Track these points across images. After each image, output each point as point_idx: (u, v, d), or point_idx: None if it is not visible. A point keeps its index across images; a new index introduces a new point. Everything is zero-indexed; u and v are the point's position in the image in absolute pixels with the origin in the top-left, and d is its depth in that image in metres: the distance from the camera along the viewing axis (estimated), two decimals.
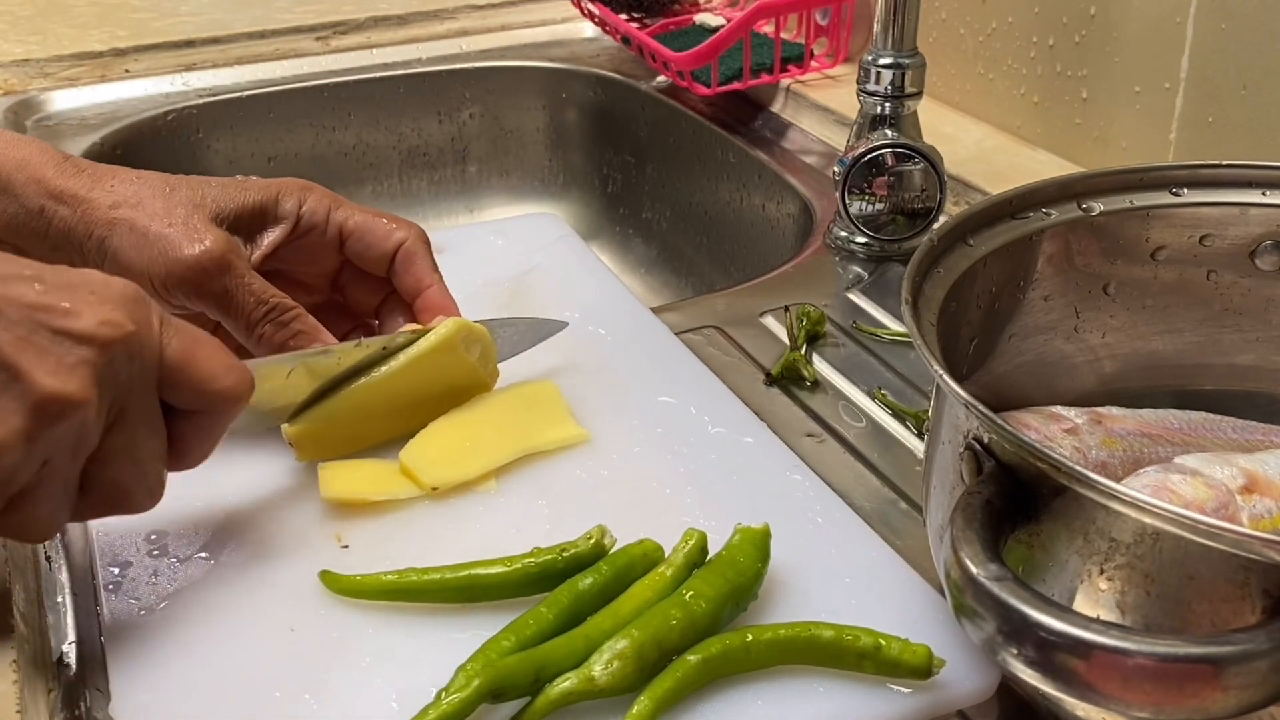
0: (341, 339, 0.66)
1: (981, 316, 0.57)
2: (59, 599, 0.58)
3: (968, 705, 0.52)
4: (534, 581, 0.55)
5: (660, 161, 1.22)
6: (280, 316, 0.62)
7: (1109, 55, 0.92)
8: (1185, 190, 0.60)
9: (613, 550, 0.55)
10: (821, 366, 0.76)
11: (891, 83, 0.85)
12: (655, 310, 0.81)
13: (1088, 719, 0.48)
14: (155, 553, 0.58)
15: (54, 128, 1.14)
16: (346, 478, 0.62)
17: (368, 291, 0.70)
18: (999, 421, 0.44)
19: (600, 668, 0.49)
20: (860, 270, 0.87)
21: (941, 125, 1.04)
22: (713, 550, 0.55)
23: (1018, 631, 0.40)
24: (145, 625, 0.54)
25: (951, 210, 0.90)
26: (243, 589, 0.56)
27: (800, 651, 0.51)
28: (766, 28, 1.13)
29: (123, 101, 1.18)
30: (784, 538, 0.55)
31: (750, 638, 0.51)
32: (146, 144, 1.15)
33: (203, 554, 0.58)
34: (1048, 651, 0.39)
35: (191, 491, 0.61)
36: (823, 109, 1.10)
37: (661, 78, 1.22)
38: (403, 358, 0.64)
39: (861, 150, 0.86)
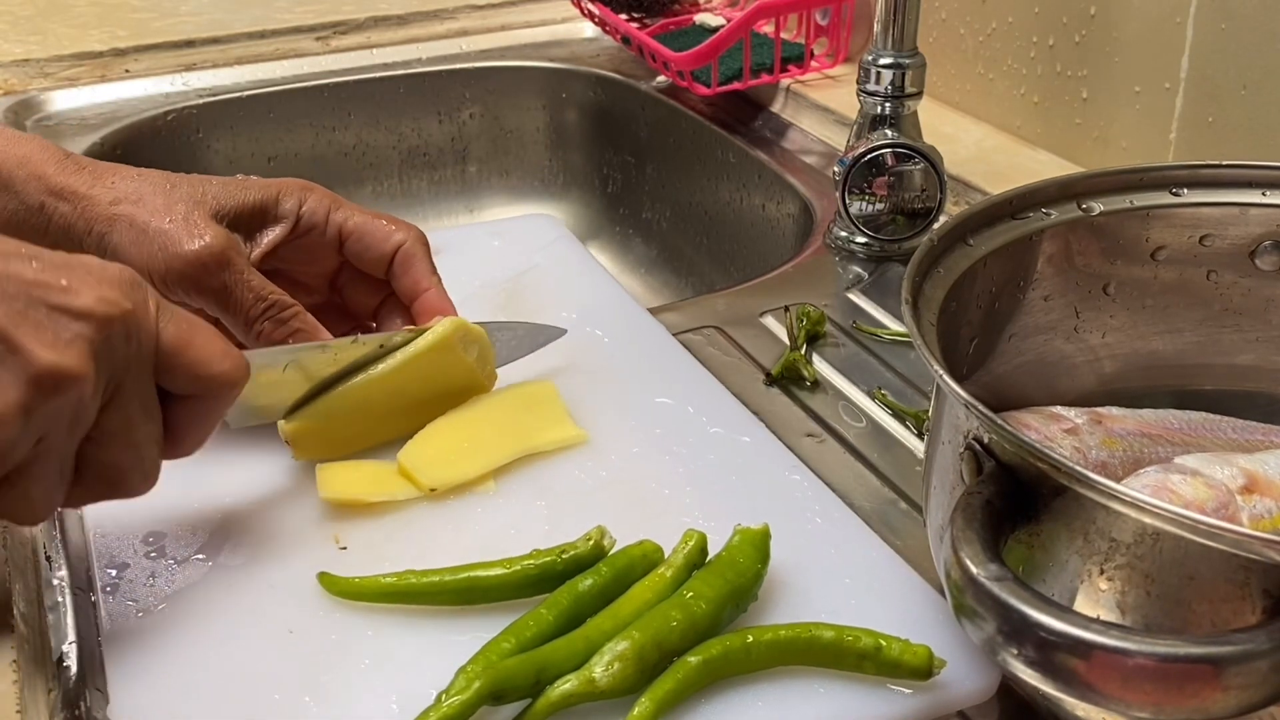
0: None
1: (981, 316, 0.57)
2: (59, 599, 0.58)
3: (968, 706, 0.52)
4: (534, 583, 0.54)
5: (660, 161, 1.22)
6: (279, 314, 0.62)
7: (1109, 55, 0.92)
8: (1185, 190, 0.59)
9: (612, 551, 0.55)
10: (821, 366, 0.76)
11: (891, 83, 0.85)
12: (655, 310, 0.81)
13: (1088, 719, 0.48)
14: (153, 554, 0.58)
15: (54, 128, 1.14)
16: (345, 478, 0.62)
17: (367, 293, 0.70)
18: (999, 421, 0.44)
19: (601, 669, 0.49)
20: (860, 270, 0.87)
21: (941, 125, 1.04)
22: (712, 551, 0.55)
23: (1018, 631, 0.40)
24: (143, 627, 0.54)
25: (951, 210, 0.90)
26: (241, 591, 0.56)
27: (801, 652, 0.51)
28: (766, 28, 1.13)
29: (123, 101, 1.18)
30: (784, 538, 0.55)
31: (751, 639, 0.50)
32: (146, 144, 1.15)
33: (200, 555, 0.58)
34: (1048, 651, 0.39)
35: (189, 493, 0.61)
36: (823, 109, 1.10)
37: (661, 78, 1.22)
38: (400, 356, 0.64)
39: (861, 150, 0.86)
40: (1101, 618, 0.41)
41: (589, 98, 1.29)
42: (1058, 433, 0.56)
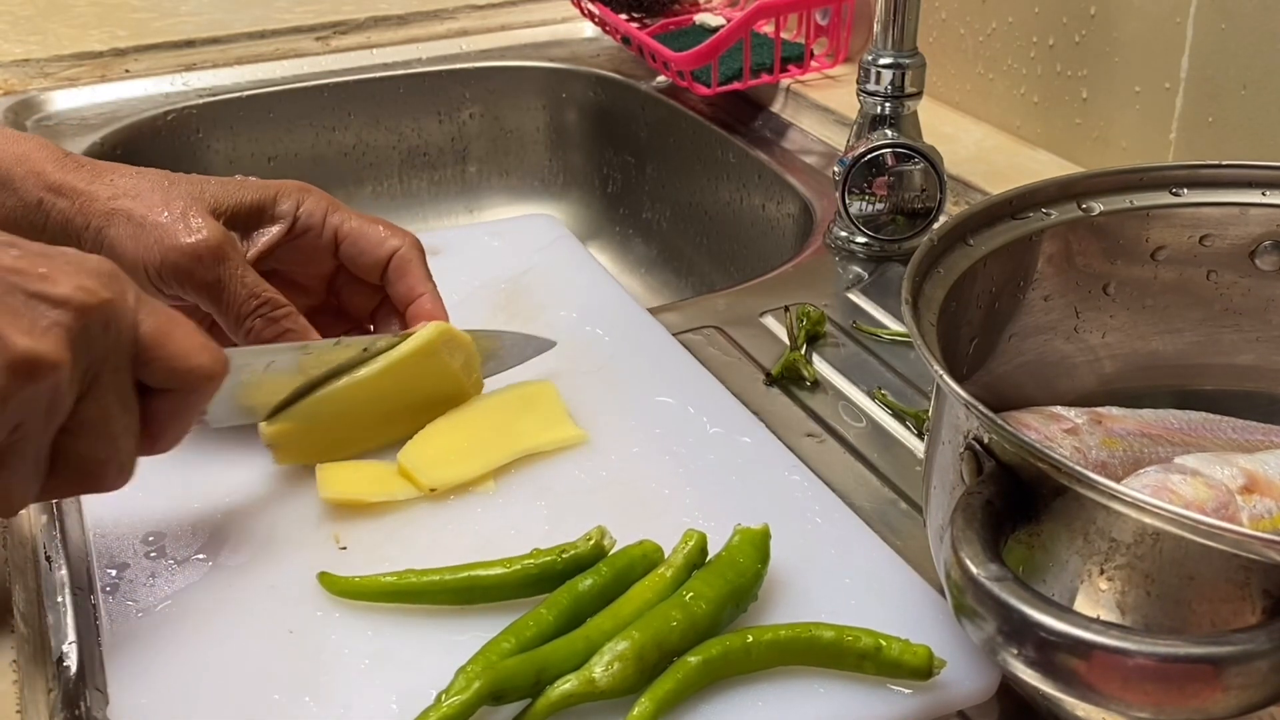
0: None
1: (981, 316, 0.57)
2: (59, 599, 0.58)
3: (968, 706, 0.52)
4: (534, 583, 0.54)
5: (660, 161, 1.22)
6: (271, 312, 0.62)
7: (1109, 55, 0.92)
8: (1185, 190, 0.59)
9: (612, 551, 0.55)
10: (821, 366, 0.76)
11: (891, 83, 0.85)
12: (655, 310, 0.81)
13: (1088, 719, 0.48)
14: (153, 554, 0.58)
15: (54, 128, 1.14)
16: (344, 478, 0.62)
17: (363, 295, 0.69)
18: (999, 421, 0.44)
19: (601, 669, 0.49)
20: (860, 270, 0.87)
21: (941, 125, 1.04)
22: (712, 551, 0.55)
23: (1018, 632, 0.40)
24: (143, 627, 0.54)
25: (951, 210, 0.90)
26: (241, 590, 0.56)
27: (801, 652, 0.51)
28: (766, 28, 1.13)
29: (123, 101, 1.18)
30: (784, 538, 0.55)
31: (751, 639, 0.50)
32: (146, 144, 1.15)
33: (200, 555, 0.58)
34: (1048, 651, 0.39)
35: (189, 493, 0.62)
36: (823, 109, 1.10)
37: (661, 78, 1.22)
38: (382, 360, 0.63)
39: (861, 150, 0.86)
40: (1101, 618, 0.41)
41: (589, 98, 1.29)
42: (1058, 433, 0.56)
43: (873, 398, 0.73)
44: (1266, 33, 0.80)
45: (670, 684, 0.49)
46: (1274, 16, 0.80)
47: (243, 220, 0.64)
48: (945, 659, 0.50)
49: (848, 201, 0.87)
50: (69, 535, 0.61)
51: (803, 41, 1.13)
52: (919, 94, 0.86)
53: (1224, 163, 0.59)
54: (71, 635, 0.56)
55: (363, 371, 0.63)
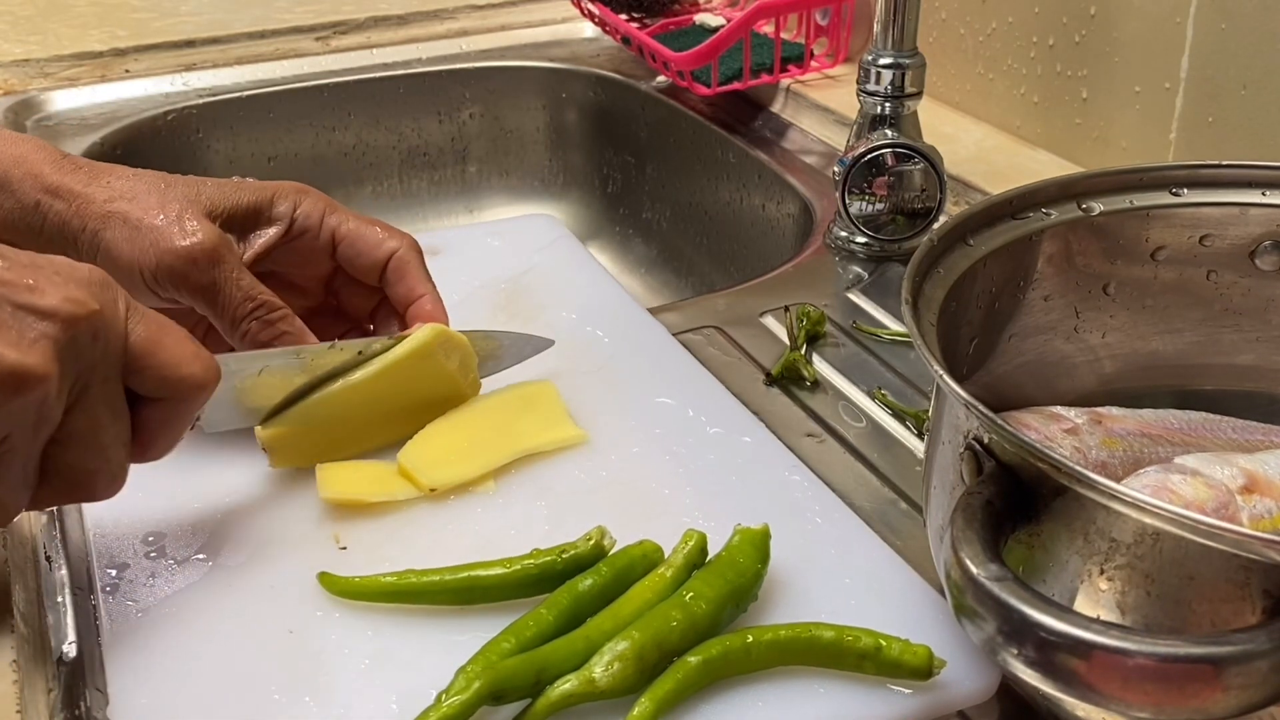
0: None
1: (981, 316, 0.57)
2: (59, 599, 0.58)
3: (968, 706, 0.52)
4: (534, 583, 0.54)
5: (660, 161, 1.22)
6: (267, 314, 0.62)
7: (1109, 55, 0.92)
8: (1185, 190, 0.59)
9: (612, 551, 0.55)
10: (821, 366, 0.76)
11: (891, 83, 0.85)
12: (655, 310, 0.81)
13: (1088, 719, 0.48)
14: (153, 554, 0.58)
15: (54, 128, 1.14)
16: (345, 478, 0.62)
17: (361, 296, 0.69)
18: (999, 421, 0.44)
19: (601, 669, 0.49)
20: (860, 270, 0.87)
21: (941, 125, 1.04)
22: (712, 551, 0.55)
23: (1018, 632, 0.40)
24: (143, 627, 0.54)
25: (951, 210, 0.90)
26: (241, 590, 0.56)
27: (801, 652, 0.51)
28: (766, 28, 1.13)
29: (123, 101, 1.18)
30: (783, 538, 0.55)
31: (750, 639, 0.50)
32: (146, 144, 1.15)
33: (200, 555, 0.58)
34: (1048, 652, 0.39)
35: (189, 493, 0.62)
36: (823, 109, 1.10)
37: (661, 78, 1.22)
38: (377, 363, 0.63)
39: (861, 150, 0.86)
40: (1101, 618, 0.41)
41: (589, 98, 1.29)
42: (1058, 433, 0.56)
43: (873, 398, 0.73)
44: (1266, 33, 0.80)
45: (670, 684, 0.49)
46: (1274, 16, 0.80)
47: (239, 222, 0.64)
48: (945, 659, 0.50)
49: (848, 201, 0.87)
50: (69, 535, 0.61)
51: (803, 41, 1.13)
52: (919, 94, 0.86)
53: (1224, 163, 0.59)
54: (71, 635, 0.56)
55: (358, 374, 0.63)
